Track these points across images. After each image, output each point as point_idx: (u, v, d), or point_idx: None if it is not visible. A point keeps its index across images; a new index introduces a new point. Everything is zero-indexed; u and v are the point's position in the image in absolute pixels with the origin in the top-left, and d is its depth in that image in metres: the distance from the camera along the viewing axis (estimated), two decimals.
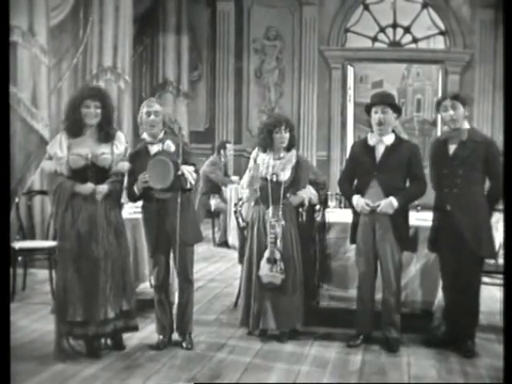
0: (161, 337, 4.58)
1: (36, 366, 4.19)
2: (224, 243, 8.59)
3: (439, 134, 11.72)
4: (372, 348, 4.61)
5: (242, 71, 12.06)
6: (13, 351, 4.38)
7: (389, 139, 4.60)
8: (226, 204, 8.56)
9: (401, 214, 4.56)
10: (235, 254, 7.75)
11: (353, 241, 4.73)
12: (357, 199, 4.59)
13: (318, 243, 4.93)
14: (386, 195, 4.52)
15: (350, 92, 12.13)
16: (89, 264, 4.25)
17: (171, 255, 4.51)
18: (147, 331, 4.79)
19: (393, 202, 4.49)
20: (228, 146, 9.25)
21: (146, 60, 11.43)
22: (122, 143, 4.43)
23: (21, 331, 4.92)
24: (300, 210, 4.80)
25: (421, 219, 5.02)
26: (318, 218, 4.96)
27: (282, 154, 4.76)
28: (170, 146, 4.45)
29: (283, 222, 4.68)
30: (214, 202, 8.79)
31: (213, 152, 10.37)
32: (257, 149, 4.90)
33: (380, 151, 4.60)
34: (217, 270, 7.26)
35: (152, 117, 4.45)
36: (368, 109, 4.66)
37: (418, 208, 5.59)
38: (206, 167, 8.95)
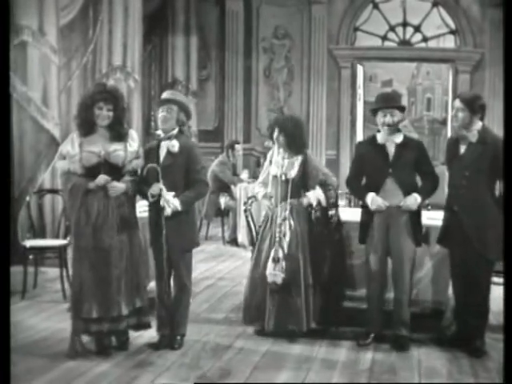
0: (161, 336, 4.60)
1: (47, 364, 4.22)
2: (233, 241, 8.61)
3: (449, 133, 11.72)
4: (382, 347, 4.62)
5: (250, 70, 12.08)
6: (24, 349, 4.47)
7: (398, 138, 4.64)
8: (236, 202, 8.59)
9: (415, 211, 4.61)
10: (244, 253, 7.81)
11: (362, 240, 4.73)
12: (372, 197, 4.60)
13: (335, 244, 4.90)
14: (404, 192, 4.56)
15: (360, 91, 12.13)
16: (103, 260, 4.28)
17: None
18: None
19: (417, 198, 4.55)
20: (237, 146, 9.27)
21: (155, 59, 11.47)
22: (135, 141, 4.46)
23: (31, 329, 4.96)
24: (312, 210, 4.79)
25: (432, 218, 5.03)
26: (333, 219, 4.95)
27: (291, 156, 4.79)
28: (174, 145, 4.45)
29: (291, 221, 4.70)
30: (223, 201, 8.82)
31: (222, 151, 10.41)
32: (272, 150, 4.94)
33: (391, 149, 4.62)
34: (226, 268, 7.27)
35: (164, 113, 4.48)
36: (374, 111, 4.68)
37: (429, 207, 5.60)
38: (214, 166, 8.97)
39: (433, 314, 5.02)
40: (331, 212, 4.84)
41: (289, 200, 4.73)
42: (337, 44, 11.85)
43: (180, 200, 4.39)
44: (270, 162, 4.92)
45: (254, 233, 5.64)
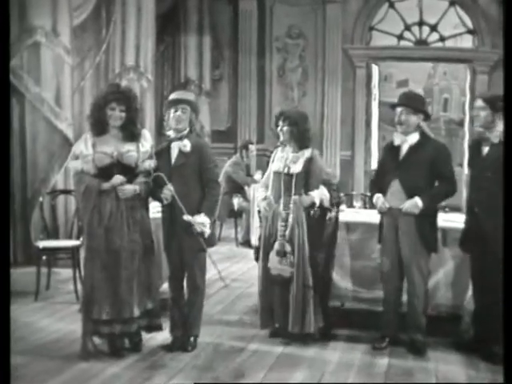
0: (173, 337, 4.62)
1: (60, 365, 4.25)
2: (247, 243, 8.61)
3: (467, 134, 11.65)
4: (398, 351, 4.60)
5: (264, 70, 12.07)
6: (36, 350, 4.51)
7: (412, 138, 4.62)
8: (249, 203, 8.59)
9: (426, 215, 4.55)
10: None
11: (380, 240, 4.75)
12: (376, 198, 4.64)
13: (327, 247, 4.89)
14: (409, 195, 4.53)
15: (375, 91, 12.08)
16: (115, 262, 4.31)
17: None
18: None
19: (418, 202, 4.49)
20: (250, 146, 9.28)
21: (168, 59, 11.50)
22: (147, 141, 4.48)
23: (44, 330, 5.00)
24: (311, 211, 4.76)
25: (449, 220, 5.01)
26: (331, 221, 4.94)
27: (296, 150, 4.80)
28: (185, 145, 4.48)
29: (297, 216, 4.70)
30: (236, 202, 8.83)
31: (235, 151, 10.41)
32: (276, 149, 4.95)
33: (404, 150, 4.62)
34: (239, 269, 7.29)
35: (179, 113, 4.50)
36: (393, 109, 4.69)
37: (446, 209, 5.57)
38: (228, 167, 8.98)
39: (450, 318, 5.00)
40: (330, 213, 4.84)
41: (293, 195, 4.73)
42: (351, 43, 11.81)
43: (206, 214, 4.44)
44: (273, 160, 4.93)
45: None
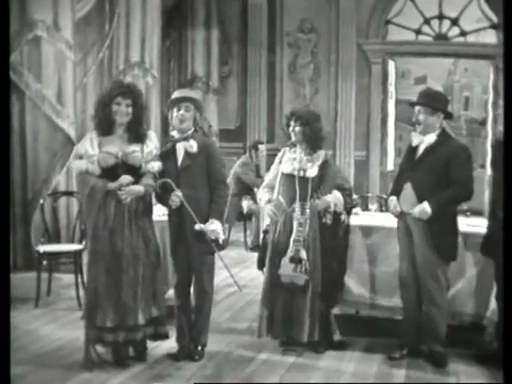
0: (180, 346, 4.62)
1: (61, 375, 4.25)
2: (256, 247, 8.57)
3: (490, 134, 11.59)
4: (417, 362, 4.58)
5: (274, 66, 12.08)
6: (37, 359, 4.52)
7: (429, 139, 4.58)
8: (259, 206, 8.58)
9: (442, 220, 4.48)
10: None
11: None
12: (389, 201, 4.64)
13: (339, 253, 4.90)
14: (420, 199, 4.48)
15: (391, 88, 12.06)
16: (118, 266, 4.31)
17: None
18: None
19: (426, 207, 4.43)
20: (260, 146, 9.28)
21: (174, 55, 11.52)
22: (152, 142, 4.50)
23: (46, 338, 5.01)
24: (324, 216, 4.77)
25: (471, 225, 4.97)
26: (343, 224, 4.92)
27: (309, 152, 4.79)
28: (192, 146, 4.49)
29: (313, 222, 4.70)
30: (245, 204, 8.83)
31: (244, 151, 10.41)
32: (283, 149, 4.94)
33: (420, 151, 4.60)
34: (248, 275, 7.27)
35: (182, 112, 4.51)
36: (412, 106, 4.68)
37: (468, 213, 5.53)
38: (237, 168, 8.99)
39: (472, 328, 4.96)
40: (342, 217, 4.83)
41: (309, 198, 4.72)
42: (367, 38, 11.79)
43: (215, 218, 4.47)
44: (280, 161, 4.91)
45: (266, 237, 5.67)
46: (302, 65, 12.02)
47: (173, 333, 4.64)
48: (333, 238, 4.80)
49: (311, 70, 11.99)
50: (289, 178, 4.80)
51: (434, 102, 4.62)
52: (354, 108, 11.81)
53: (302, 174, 4.75)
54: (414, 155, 4.61)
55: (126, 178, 4.33)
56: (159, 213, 4.87)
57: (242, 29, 12.08)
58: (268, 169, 9.86)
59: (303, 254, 4.66)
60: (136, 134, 4.43)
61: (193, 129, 4.55)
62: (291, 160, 4.82)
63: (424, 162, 4.54)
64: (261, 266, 5.00)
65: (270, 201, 4.86)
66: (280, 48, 12.05)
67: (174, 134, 4.59)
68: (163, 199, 4.51)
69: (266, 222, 5.58)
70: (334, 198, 4.75)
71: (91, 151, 4.35)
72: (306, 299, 4.68)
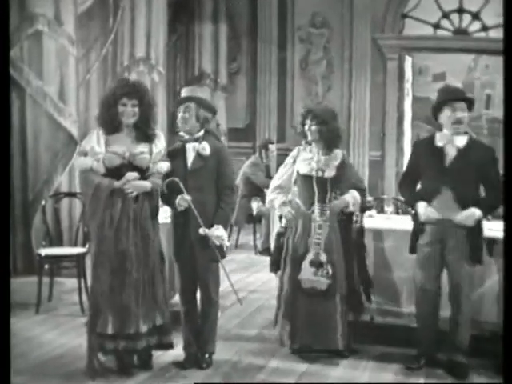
0: (187, 354, 4.64)
1: (64, 383, 4.27)
2: (266, 251, 8.59)
3: None
4: (436, 373, 4.56)
5: (285, 62, 12.08)
6: (38, 368, 4.54)
7: (461, 141, 4.54)
8: (269, 208, 8.58)
9: (476, 225, 4.51)
10: None
11: (412, 250, 4.71)
12: (424, 208, 4.53)
13: (358, 252, 4.93)
14: (461, 204, 4.46)
15: (408, 85, 12.03)
16: (121, 267, 4.32)
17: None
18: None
19: (476, 213, 4.43)
20: (270, 146, 9.29)
21: (181, 50, 11.54)
22: (161, 142, 4.51)
23: (47, 346, 5.03)
24: (341, 216, 4.81)
25: (493, 229, 4.95)
26: (356, 225, 4.95)
27: (326, 152, 4.80)
28: (205, 148, 4.52)
29: (334, 224, 4.72)
30: (255, 206, 8.83)
31: (253, 151, 10.43)
32: (297, 148, 4.95)
33: (450, 154, 4.54)
34: (258, 280, 7.28)
35: (181, 113, 4.54)
36: (440, 105, 4.58)
37: (489, 217, 5.52)
38: (246, 168, 9.00)
39: (493, 338, 4.93)
40: (355, 217, 4.84)
41: (328, 200, 4.73)
42: (382, 33, 11.78)
43: (222, 225, 4.49)
44: (294, 161, 4.91)
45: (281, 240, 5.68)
46: (314, 61, 12.02)
47: (179, 340, 4.66)
48: (351, 240, 4.84)
49: (324, 66, 11.98)
50: (306, 178, 4.81)
51: (470, 97, 4.62)
52: (369, 106, 11.79)
53: (320, 174, 4.76)
54: (442, 157, 4.55)
55: (131, 175, 4.34)
56: (165, 215, 4.89)
57: (252, 23, 12.10)
58: (277, 169, 9.93)
59: (324, 258, 4.68)
60: (144, 133, 4.45)
61: (203, 130, 4.58)
62: (308, 160, 4.83)
63: (459, 166, 4.50)
64: (274, 269, 5.02)
65: (284, 203, 4.86)
66: (291, 43, 12.05)
67: (183, 134, 4.63)
68: (169, 200, 4.52)
69: (278, 224, 5.60)
70: (352, 198, 4.78)
71: (97, 149, 4.36)
72: (333, 304, 4.70)
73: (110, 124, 4.39)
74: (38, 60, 7.12)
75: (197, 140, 4.55)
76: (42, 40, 7.12)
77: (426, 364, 4.63)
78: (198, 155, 4.53)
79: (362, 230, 4.99)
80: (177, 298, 5.28)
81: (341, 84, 11.92)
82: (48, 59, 7.15)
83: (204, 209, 4.46)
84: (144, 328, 4.35)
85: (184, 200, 4.42)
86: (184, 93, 4.70)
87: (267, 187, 8.74)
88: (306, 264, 4.70)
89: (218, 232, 4.44)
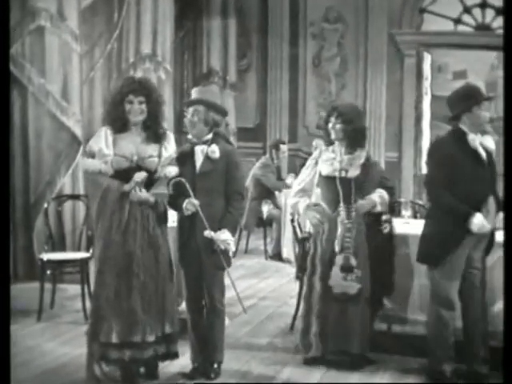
0: (195, 364, 4.65)
1: None
2: (277, 256, 8.63)
3: None
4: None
5: (297, 59, 12.10)
6: (41, 377, 4.57)
7: (490, 142, 4.53)
8: (280, 211, 8.60)
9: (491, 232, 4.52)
10: (290, 268, 7.79)
11: (437, 262, 4.65)
12: (481, 219, 4.35)
13: (386, 255, 4.93)
14: (497, 213, 4.44)
15: (427, 83, 12.02)
16: (129, 276, 4.34)
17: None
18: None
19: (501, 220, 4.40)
20: (282, 146, 9.30)
21: (188, 47, 11.57)
22: (171, 145, 4.52)
23: (49, 355, 5.06)
24: (368, 217, 4.83)
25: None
26: (386, 230, 4.94)
27: (349, 151, 4.82)
28: (214, 151, 4.53)
29: (361, 227, 4.73)
30: (266, 209, 8.84)
31: (264, 151, 10.45)
32: (319, 149, 4.96)
33: (483, 156, 4.48)
34: (269, 286, 7.30)
35: (189, 116, 4.56)
36: (470, 104, 4.48)
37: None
38: (256, 170, 9.01)
39: None
40: (385, 219, 4.84)
41: (353, 202, 4.74)
42: (399, 28, 11.77)
43: (229, 229, 4.50)
44: (317, 162, 4.93)
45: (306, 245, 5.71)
46: (327, 58, 12.03)
47: (185, 349, 4.66)
48: (379, 242, 4.85)
49: (337, 63, 11.99)
50: (329, 179, 4.83)
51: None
52: (385, 105, 11.79)
53: (343, 174, 4.78)
54: (478, 160, 4.47)
55: (139, 175, 4.34)
56: (173, 218, 4.92)
57: (262, 18, 12.12)
58: (290, 171, 9.94)
59: (353, 261, 4.70)
60: (154, 133, 4.46)
61: (212, 133, 4.60)
62: (330, 160, 4.85)
63: (493, 170, 4.49)
64: (300, 276, 5.04)
65: (309, 206, 4.87)
66: (303, 39, 12.07)
67: (191, 137, 4.65)
68: (175, 204, 4.54)
69: (290, 228, 5.62)
70: (380, 197, 4.79)
71: (106, 150, 4.37)
72: (361, 308, 4.74)
73: (118, 123, 4.41)
74: (40, 57, 7.14)
75: (206, 143, 4.57)
76: (45, 36, 7.15)
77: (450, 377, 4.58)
78: (207, 158, 4.55)
79: (391, 232, 4.96)
80: (184, 305, 5.31)
81: (355, 82, 11.92)
82: (50, 56, 7.17)
83: (212, 213, 4.48)
84: (151, 337, 4.35)
85: (191, 204, 4.43)
86: (194, 94, 4.71)
87: (278, 189, 8.85)
88: (335, 269, 4.72)
89: (223, 236, 4.46)
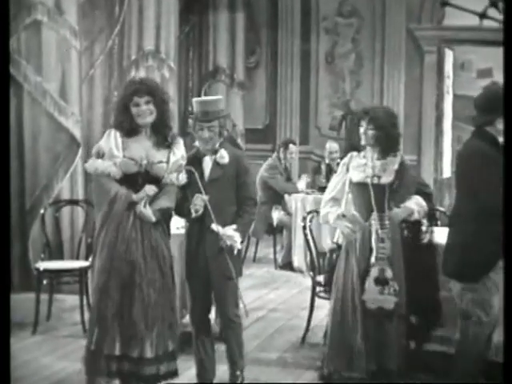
0: (200, 379, 4.68)
1: None
2: (288, 265, 8.62)
3: None
4: None
5: (309, 56, 12.12)
6: None
7: None
8: (291, 217, 8.59)
9: None
10: (301, 278, 7.85)
11: (478, 276, 4.63)
12: None
13: (427, 268, 4.90)
14: None
15: (448, 82, 12.01)
16: (131, 288, 4.35)
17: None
18: (192, 373, 4.79)
19: None
20: (291, 146, 9.27)
21: (194, 43, 11.59)
22: (180, 150, 4.53)
23: (45, 370, 5.09)
24: (405, 226, 4.83)
25: None
26: (425, 239, 4.95)
27: (382, 156, 4.81)
28: (223, 156, 4.56)
29: (393, 234, 4.73)
30: (276, 215, 8.83)
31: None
32: (350, 154, 4.96)
33: None
34: (279, 297, 7.31)
35: (206, 134, 4.56)
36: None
37: None
38: (263, 172, 8.98)
39: None
40: (424, 228, 4.84)
41: (386, 210, 4.74)
42: (419, 23, 11.76)
43: (240, 233, 4.52)
44: (347, 169, 4.92)
45: (314, 255, 5.70)
46: (341, 54, 12.04)
47: (191, 364, 4.69)
48: (417, 253, 4.84)
49: (352, 60, 11.99)
50: (360, 186, 4.80)
51: None
52: (403, 105, 11.78)
53: (376, 181, 4.76)
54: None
55: (150, 189, 4.38)
56: (178, 225, 4.94)
57: (272, 12, 12.14)
58: (301, 173, 9.90)
59: (389, 274, 4.67)
60: (163, 137, 4.48)
61: (221, 139, 4.63)
62: (362, 166, 4.83)
63: None
64: (328, 290, 5.06)
65: (339, 216, 4.86)
66: (316, 34, 12.08)
67: (198, 143, 4.68)
68: (182, 207, 4.56)
69: (301, 235, 5.63)
70: (417, 205, 4.78)
71: (116, 152, 4.39)
72: (395, 324, 4.72)
73: (127, 127, 4.43)
74: (36, 53, 7.17)
75: (214, 150, 4.62)
76: (41, 31, 7.18)
77: None
78: (216, 164, 4.58)
79: (431, 243, 4.94)
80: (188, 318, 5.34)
81: (371, 80, 11.92)
82: (48, 52, 7.20)
83: (222, 222, 4.49)
84: (151, 353, 4.35)
85: (201, 199, 4.45)
86: (200, 106, 4.64)
87: (287, 192, 8.83)
88: (370, 282, 4.68)
89: (230, 232, 4.47)
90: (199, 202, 4.46)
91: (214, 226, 4.46)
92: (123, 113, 4.42)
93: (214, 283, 4.57)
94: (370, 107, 5.08)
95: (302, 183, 9.11)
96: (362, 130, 4.83)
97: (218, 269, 4.52)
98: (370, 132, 4.79)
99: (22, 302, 6.33)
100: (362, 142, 4.86)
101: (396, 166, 4.81)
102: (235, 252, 4.53)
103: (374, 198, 4.72)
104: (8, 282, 3.61)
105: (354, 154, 4.90)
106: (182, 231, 4.85)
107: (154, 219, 4.38)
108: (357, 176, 4.82)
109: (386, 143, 4.80)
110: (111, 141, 4.44)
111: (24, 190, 7.20)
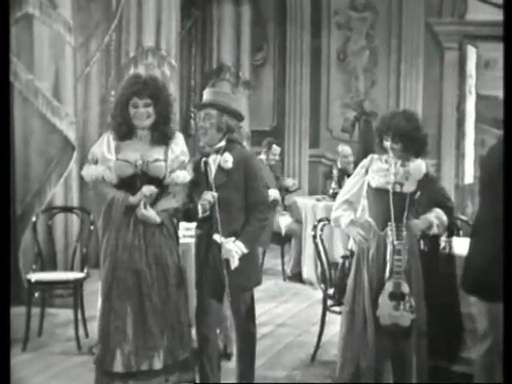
0: None
1: None
2: (297, 276, 8.64)
3: None
4: None
5: (320, 52, 12.15)
6: None
7: None
8: (301, 226, 8.61)
9: None
10: (311, 291, 7.88)
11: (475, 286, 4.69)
12: None
13: (446, 283, 4.94)
14: None
15: (471, 81, 11.99)
16: (137, 298, 4.42)
17: (224, 299, 4.66)
18: None
19: None
20: (274, 147, 9.37)
21: (196, 39, 11.62)
22: (178, 145, 4.59)
23: None
24: (423, 239, 4.87)
25: None
26: (444, 252, 4.99)
27: (406, 163, 4.81)
28: (227, 160, 4.59)
29: (411, 246, 4.74)
30: (283, 223, 8.85)
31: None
32: (370, 156, 4.97)
33: None
34: (288, 311, 7.32)
35: (201, 123, 4.63)
36: None
37: None
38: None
39: None
40: (443, 243, 4.86)
41: (405, 220, 4.75)
42: (439, 17, 11.78)
43: (244, 241, 4.54)
44: (366, 171, 4.92)
45: (325, 266, 5.73)
46: (354, 51, 12.06)
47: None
48: (435, 268, 4.87)
49: (366, 57, 12.02)
50: (379, 192, 4.78)
51: None
52: (422, 105, 11.78)
53: (397, 188, 4.75)
54: None
55: (148, 189, 4.41)
56: (182, 232, 4.98)
57: (280, 6, 12.18)
58: (311, 180, 9.92)
59: (405, 288, 4.65)
60: (161, 133, 4.53)
61: (225, 140, 4.66)
62: (383, 171, 4.81)
63: None
64: (337, 301, 5.07)
65: (353, 221, 4.88)
66: (327, 30, 12.11)
67: (204, 145, 4.72)
68: (189, 214, 4.60)
69: (311, 244, 5.64)
70: (437, 218, 4.78)
71: (108, 155, 4.46)
72: (413, 342, 4.72)
73: (122, 129, 4.48)
74: (28, 49, 7.19)
75: (218, 151, 4.63)
76: (33, 25, 7.20)
77: None
78: (221, 169, 4.60)
79: (451, 258, 4.96)
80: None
81: (387, 79, 11.93)
82: (40, 49, 7.22)
83: (231, 231, 4.53)
84: (159, 365, 4.42)
85: (211, 195, 4.49)
86: (205, 96, 4.75)
87: (278, 188, 8.84)
88: (384, 297, 4.67)
89: (229, 245, 4.50)
90: (209, 197, 4.50)
91: (217, 237, 4.50)
92: (121, 110, 4.47)
93: (228, 294, 4.59)
94: (389, 118, 4.98)
95: (289, 181, 9.50)
96: (387, 144, 4.79)
97: (230, 278, 4.53)
98: (396, 147, 4.75)
99: (11, 316, 6.35)
100: (390, 156, 4.84)
101: (420, 176, 4.80)
102: (232, 267, 4.52)
103: (393, 206, 4.71)
104: (8, 295, 3.64)
105: (375, 156, 4.90)
106: (186, 240, 4.90)
107: (159, 220, 4.43)
108: (377, 181, 4.80)
109: (412, 148, 4.77)
110: (104, 145, 4.51)
111: (14, 196, 7.16)
